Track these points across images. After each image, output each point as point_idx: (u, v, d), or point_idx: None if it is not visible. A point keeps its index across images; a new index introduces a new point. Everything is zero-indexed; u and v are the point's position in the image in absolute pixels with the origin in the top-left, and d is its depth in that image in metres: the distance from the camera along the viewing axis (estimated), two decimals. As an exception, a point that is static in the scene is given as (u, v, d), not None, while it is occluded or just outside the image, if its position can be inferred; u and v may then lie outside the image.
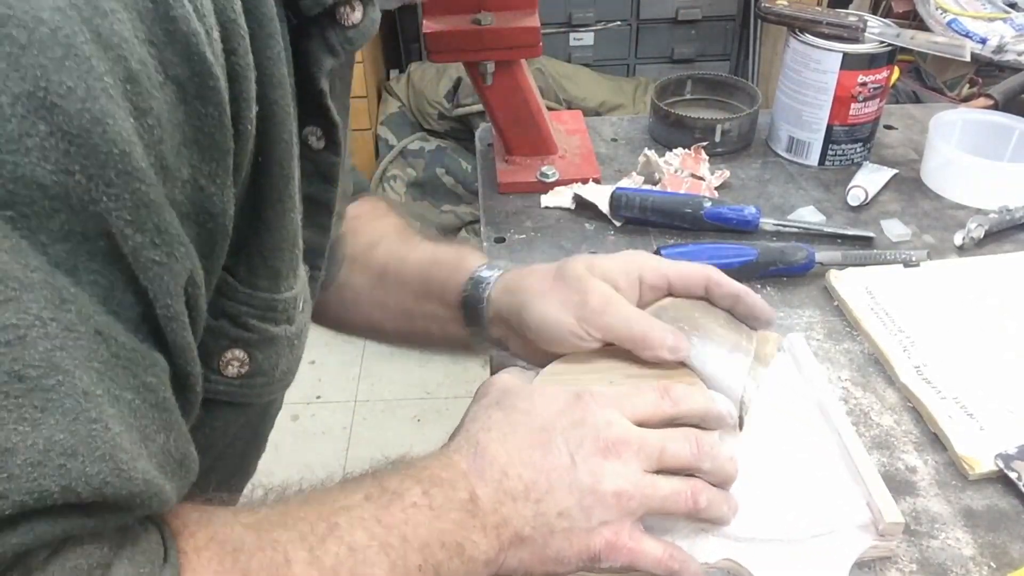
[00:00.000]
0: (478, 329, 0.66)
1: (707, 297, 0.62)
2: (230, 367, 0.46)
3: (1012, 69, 1.37)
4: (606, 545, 0.49)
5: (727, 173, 0.98)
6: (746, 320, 0.63)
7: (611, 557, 0.50)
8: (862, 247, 0.87)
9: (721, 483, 0.53)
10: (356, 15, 0.46)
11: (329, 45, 0.46)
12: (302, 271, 0.50)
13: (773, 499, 0.56)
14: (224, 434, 0.50)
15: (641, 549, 0.50)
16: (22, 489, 0.31)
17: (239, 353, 0.46)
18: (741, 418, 0.59)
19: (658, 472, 0.51)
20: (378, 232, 0.74)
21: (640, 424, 0.52)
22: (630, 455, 0.51)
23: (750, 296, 0.62)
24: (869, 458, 0.59)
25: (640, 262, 0.62)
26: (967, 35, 1.44)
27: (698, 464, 0.52)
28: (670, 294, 0.62)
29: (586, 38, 2.22)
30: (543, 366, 0.62)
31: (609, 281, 0.60)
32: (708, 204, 0.87)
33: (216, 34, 0.36)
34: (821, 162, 1.01)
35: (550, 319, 0.59)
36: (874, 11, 1.68)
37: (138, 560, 0.37)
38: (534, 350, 0.62)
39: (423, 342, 0.73)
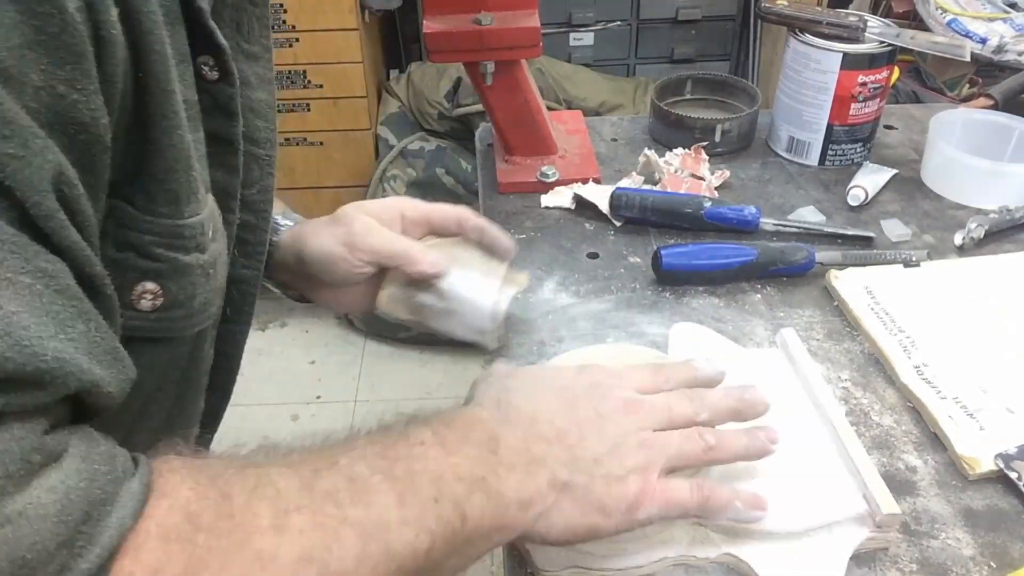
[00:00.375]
0: (272, 275, 0.73)
1: (461, 232, 0.71)
2: (143, 301, 0.44)
3: (1012, 69, 1.37)
4: (640, 490, 0.50)
5: (727, 173, 0.98)
6: (493, 251, 0.71)
7: (647, 502, 0.50)
8: (862, 247, 0.87)
9: (723, 418, 0.56)
10: None
11: None
12: (209, 199, 0.48)
13: (771, 494, 0.57)
14: (150, 372, 0.48)
15: (672, 488, 0.51)
16: None
17: (150, 285, 0.44)
18: (493, 333, 0.68)
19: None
20: None
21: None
22: (644, 414, 0.53)
23: (491, 229, 0.70)
24: (864, 450, 0.59)
25: (402, 202, 0.71)
26: (967, 35, 1.44)
27: (698, 415, 0.55)
28: (431, 232, 0.72)
29: (586, 38, 2.22)
30: (336, 308, 0.71)
31: (373, 216, 0.68)
32: (708, 204, 0.87)
33: None
34: (821, 162, 1.01)
35: (324, 250, 0.68)
36: (874, 11, 1.68)
37: (94, 458, 0.36)
38: (316, 286, 0.71)
39: None
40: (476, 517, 0.45)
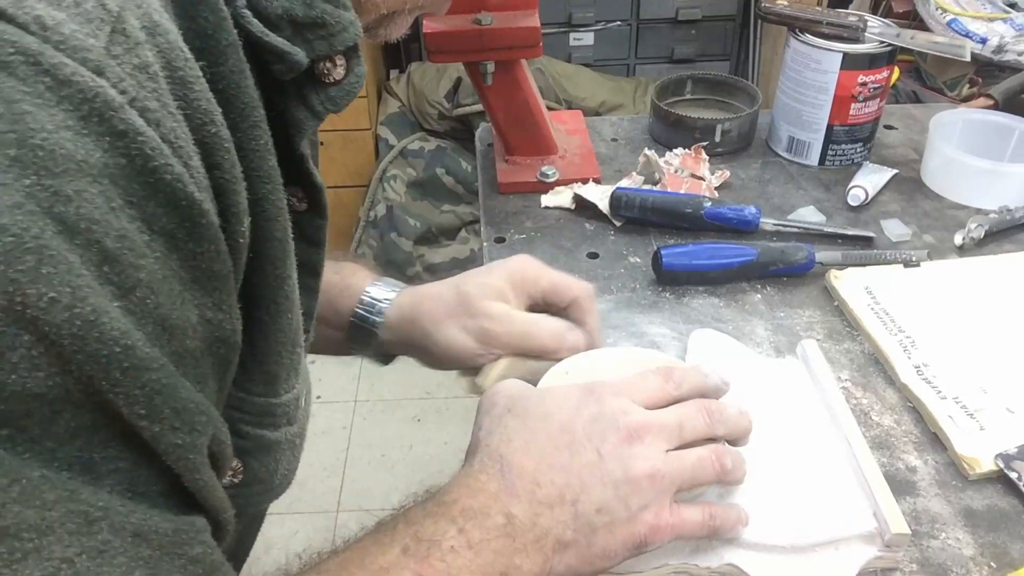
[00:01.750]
0: (366, 349, 0.70)
1: (567, 309, 0.66)
2: (230, 473, 0.42)
3: (1012, 69, 1.37)
4: (650, 529, 0.50)
5: (727, 173, 0.98)
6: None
7: (656, 539, 0.50)
8: (862, 247, 0.87)
9: (739, 439, 0.55)
10: (339, 71, 0.41)
11: (309, 106, 0.41)
12: (305, 366, 0.46)
13: (779, 505, 0.56)
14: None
15: (683, 521, 0.51)
16: None
17: (233, 462, 0.42)
18: None
19: (678, 448, 0.53)
20: None
21: (649, 408, 0.53)
22: (652, 437, 0.51)
23: (590, 329, 0.65)
24: (878, 468, 0.59)
25: (528, 271, 0.65)
26: (967, 35, 1.44)
27: (713, 431, 0.54)
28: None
29: (586, 38, 2.22)
30: (442, 369, 0.67)
31: (498, 294, 0.64)
32: (708, 204, 0.87)
33: (197, 159, 0.33)
34: (821, 162, 1.01)
35: (454, 346, 0.64)
36: (874, 11, 1.67)
37: None
38: (439, 363, 0.68)
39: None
40: None
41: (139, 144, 0.30)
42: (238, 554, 0.55)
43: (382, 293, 0.68)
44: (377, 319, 0.68)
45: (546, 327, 0.64)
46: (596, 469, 0.50)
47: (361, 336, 0.69)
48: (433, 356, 0.66)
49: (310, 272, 0.48)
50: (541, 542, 0.48)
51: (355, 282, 0.69)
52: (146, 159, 0.30)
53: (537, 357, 0.64)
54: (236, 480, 0.43)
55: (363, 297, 0.68)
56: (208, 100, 0.34)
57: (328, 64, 0.40)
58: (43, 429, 0.29)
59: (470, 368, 0.65)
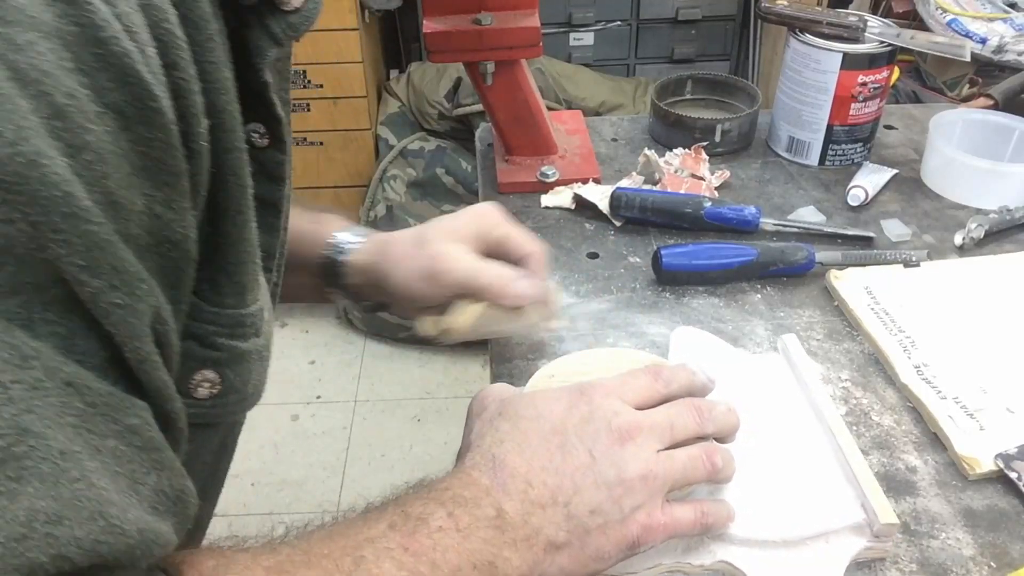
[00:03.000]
0: (339, 290, 0.71)
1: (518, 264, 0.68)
2: (200, 388, 0.43)
3: (1012, 69, 1.37)
4: (642, 529, 0.50)
5: (727, 173, 0.98)
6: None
7: (649, 539, 0.50)
8: (862, 247, 0.87)
9: (728, 435, 0.56)
10: None
11: (271, 33, 0.42)
12: (262, 279, 0.47)
13: (768, 501, 0.57)
14: (195, 457, 0.48)
15: (675, 520, 0.51)
16: (8, 567, 0.28)
17: (209, 374, 0.43)
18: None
19: (669, 448, 0.53)
20: None
21: (639, 408, 0.53)
22: (643, 438, 0.51)
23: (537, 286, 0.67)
24: (863, 459, 0.59)
25: (485, 218, 0.69)
26: (967, 35, 1.44)
27: (703, 429, 0.54)
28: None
29: (586, 38, 2.22)
30: (410, 318, 0.69)
31: (456, 236, 0.66)
32: (708, 204, 0.87)
33: (152, 50, 0.33)
34: (821, 162, 1.01)
35: (408, 286, 0.66)
36: (874, 11, 1.67)
37: None
38: (399, 306, 0.70)
39: (291, 300, 0.74)
40: None
41: (89, 13, 0.30)
42: (213, 478, 0.55)
43: (349, 237, 0.71)
44: (341, 259, 0.70)
45: (493, 270, 0.65)
46: (589, 471, 0.50)
47: (330, 278, 0.71)
48: (394, 299, 0.68)
49: (271, 210, 0.49)
50: (532, 540, 0.48)
51: (327, 228, 0.71)
52: (96, 28, 0.30)
53: (487, 301, 0.65)
54: (215, 391, 0.44)
55: (328, 240, 0.70)
56: (164, 0, 0.34)
57: None
58: None
59: (427, 311, 0.67)
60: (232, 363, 0.44)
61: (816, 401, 0.64)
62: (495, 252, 0.68)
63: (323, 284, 0.71)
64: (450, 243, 0.66)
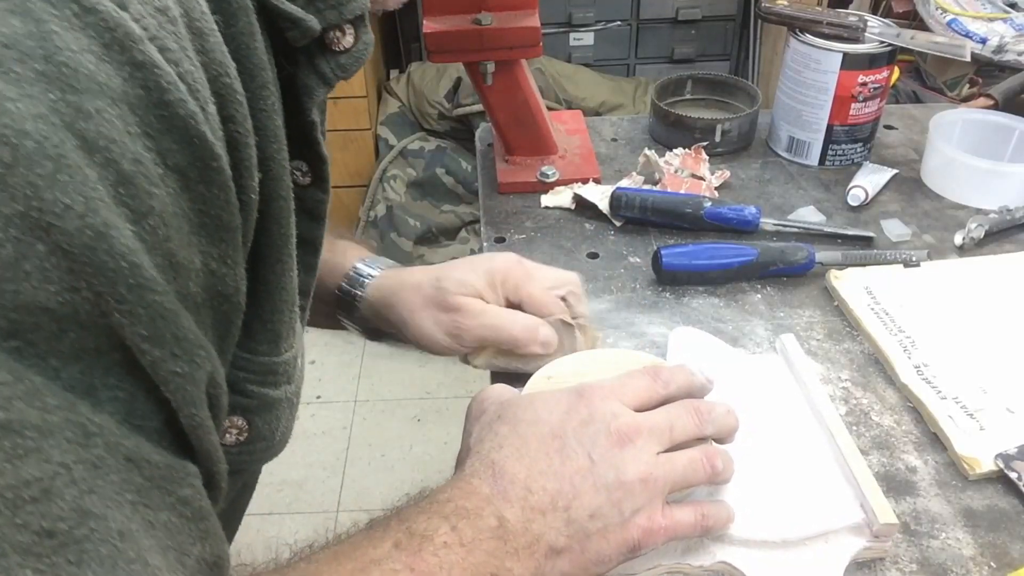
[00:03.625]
0: (352, 322, 0.71)
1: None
2: (228, 435, 0.43)
3: (1012, 69, 1.37)
4: (643, 533, 0.50)
5: (727, 173, 0.98)
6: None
7: (650, 542, 0.50)
8: (862, 247, 0.87)
9: (727, 437, 0.56)
10: (348, 39, 0.42)
11: (320, 73, 0.42)
12: (299, 326, 0.47)
13: (767, 501, 0.57)
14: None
15: (676, 523, 0.51)
16: None
17: (238, 420, 0.43)
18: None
19: (668, 450, 0.53)
20: None
21: (638, 409, 0.53)
22: (643, 441, 0.51)
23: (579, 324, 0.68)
24: (862, 459, 0.59)
25: (504, 275, 0.66)
26: (967, 35, 1.44)
27: (703, 431, 0.54)
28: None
29: (586, 38, 2.22)
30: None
31: (473, 289, 0.65)
32: (708, 204, 0.87)
33: (212, 107, 0.33)
34: (821, 162, 1.01)
35: (427, 338, 0.66)
36: (874, 11, 1.68)
37: None
38: (418, 347, 0.69)
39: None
40: None
41: (156, 77, 0.31)
42: (231, 520, 0.56)
43: (367, 270, 0.71)
44: (359, 292, 0.70)
45: (519, 321, 0.65)
46: (588, 474, 0.50)
47: (344, 308, 0.71)
48: (410, 341, 0.68)
49: (309, 248, 0.49)
50: (533, 547, 0.48)
51: (346, 259, 0.71)
52: (163, 92, 0.31)
53: (511, 351, 0.65)
54: (242, 438, 0.43)
55: (349, 272, 0.70)
56: (223, 52, 0.35)
57: (338, 33, 0.42)
58: (49, 346, 0.29)
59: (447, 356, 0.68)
60: (261, 411, 0.44)
61: (815, 401, 0.64)
62: (516, 305, 0.67)
63: (336, 312, 0.71)
64: (473, 298, 0.65)
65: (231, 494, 0.49)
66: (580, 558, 0.49)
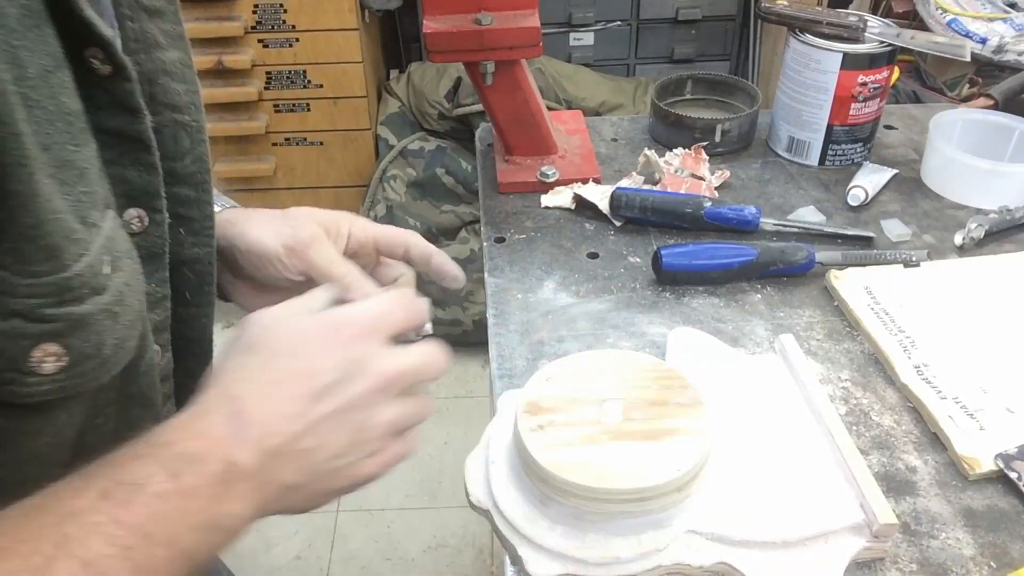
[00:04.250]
0: None
1: (407, 258, 0.67)
2: (45, 364, 0.40)
3: (1012, 69, 1.37)
4: (378, 468, 0.50)
5: (727, 173, 0.98)
6: (440, 280, 0.68)
7: (381, 475, 0.50)
8: (862, 247, 0.87)
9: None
10: None
11: None
12: (107, 219, 0.43)
13: (767, 502, 0.57)
14: (70, 422, 0.45)
15: (404, 449, 0.52)
16: None
17: (50, 347, 0.40)
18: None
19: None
20: None
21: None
22: (396, 385, 0.50)
23: (439, 256, 0.66)
24: (862, 459, 0.59)
25: (351, 219, 0.66)
26: (967, 35, 1.44)
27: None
28: (377, 254, 0.67)
29: (586, 38, 2.22)
30: (250, 307, 0.64)
31: (322, 227, 0.63)
32: (708, 204, 0.87)
33: None
34: (821, 162, 1.01)
35: (262, 244, 0.62)
36: (874, 11, 1.68)
37: None
38: (238, 278, 0.65)
39: None
40: (204, 555, 0.44)
41: None
42: (134, 408, 0.52)
43: (220, 202, 0.66)
44: None
45: (351, 267, 0.62)
46: (337, 421, 0.48)
47: None
48: (240, 258, 0.64)
49: (138, 145, 0.46)
50: (263, 488, 0.45)
51: None
52: None
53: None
54: (63, 363, 0.41)
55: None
56: None
57: None
58: None
59: (270, 295, 0.63)
60: (73, 331, 0.41)
61: (814, 401, 0.64)
62: (368, 253, 0.66)
63: None
64: (317, 228, 0.63)
65: (84, 408, 0.46)
66: (311, 491, 0.48)
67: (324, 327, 0.50)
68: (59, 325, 0.40)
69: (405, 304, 0.53)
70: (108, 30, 0.42)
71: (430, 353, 0.52)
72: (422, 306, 0.55)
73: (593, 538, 0.55)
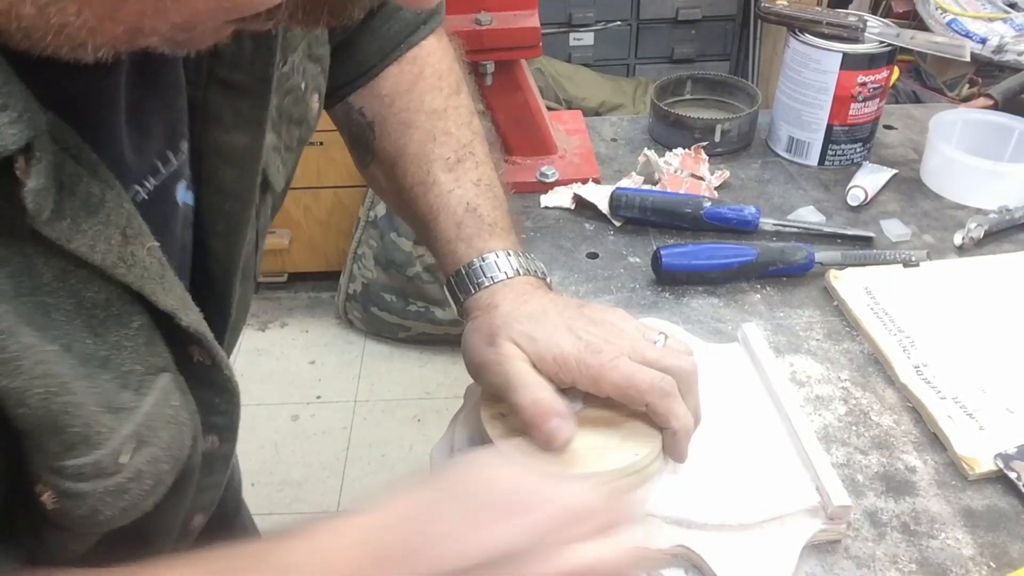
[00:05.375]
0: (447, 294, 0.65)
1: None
2: (45, 497, 0.39)
3: (1012, 69, 1.37)
4: None
5: (727, 173, 0.98)
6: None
7: None
8: (862, 247, 0.87)
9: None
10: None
11: None
12: (154, 393, 0.41)
13: (724, 486, 0.58)
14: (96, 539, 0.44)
15: None
16: None
17: (47, 489, 0.39)
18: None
19: None
20: (426, 134, 0.66)
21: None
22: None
23: (683, 440, 0.56)
24: (818, 444, 0.61)
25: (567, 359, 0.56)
26: (967, 35, 1.44)
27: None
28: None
29: (586, 38, 2.22)
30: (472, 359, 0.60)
31: (537, 356, 0.56)
32: (708, 204, 0.87)
33: None
34: (821, 162, 1.01)
35: (473, 356, 0.59)
36: (874, 11, 1.68)
37: None
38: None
39: None
40: None
41: None
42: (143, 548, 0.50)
43: (490, 272, 0.61)
44: (469, 288, 0.61)
45: (534, 394, 0.54)
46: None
47: (453, 296, 0.64)
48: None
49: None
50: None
51: (475, 247, 0.62)
52: None
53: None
54: (57, 506, 0.40)
55: (470, 264, 0.61)
56: None
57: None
58: None
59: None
60: (70, 496, 0.40)
61: (774, 388, 0.66)
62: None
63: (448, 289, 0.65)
64: (523, 367, 0.56)
65: (87, 541, 0.45)
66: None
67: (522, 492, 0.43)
68: (61, 486, 0.39)
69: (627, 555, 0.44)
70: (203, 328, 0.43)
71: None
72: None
73: None
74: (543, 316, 0.57)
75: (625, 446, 0.55)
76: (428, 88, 0.68)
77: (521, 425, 0.55)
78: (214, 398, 0.49)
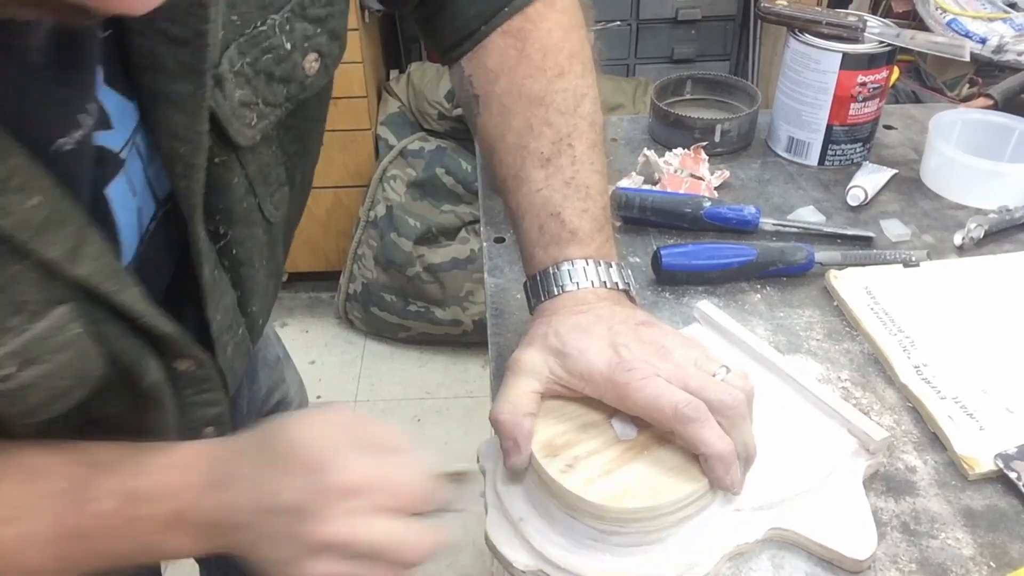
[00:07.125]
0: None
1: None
2: None
3: (1012, 69, 1.37)
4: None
5: (727, 173, 0.98)
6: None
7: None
8: (862, 247, 0.87)
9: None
10: None
11: None
12: (42, 321, 0.44)
13: (778, 460, 0.59)
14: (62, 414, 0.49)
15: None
16: None
17: None
18: None
19: None
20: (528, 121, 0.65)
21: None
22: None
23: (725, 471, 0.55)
24: (831, 391, 0.63)
25: (620, 379, 0.55)
26: (967, 35, 1.44)
27: None
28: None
29: (586, 38, 2.22)
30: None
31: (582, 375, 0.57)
32: (708, 204, 0.87)
33: None
34: (821, 162, 1.01)
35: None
36: (874, 11, 1.67)
37: None
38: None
39: None
40: (131, 565, 0.50)
41: None
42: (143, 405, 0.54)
43: (565, 280, 0.62)
44: (541, 292, 0.62)
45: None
46: (284, 538, 0.47)
47: (529, 294, 0.65)
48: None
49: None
50: (206, 542, 0.49)
51: (560, 253, 0.63)
52: None
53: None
54: None
55: (548, 271, 0.62)
56: None
57: None
58: None
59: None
60: None
61: (761, 355, 0.67)
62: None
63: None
64: (550, 356, 0.57)
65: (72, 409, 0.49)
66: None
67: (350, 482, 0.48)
68: None
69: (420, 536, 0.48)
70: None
71: (414, 535, 0.48)
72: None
73: (663, 553, 0.54)
74: (589, 329, 0.58)
75: (676, 478, 0.53)
76: (530, 71, 0.65)
77: (574, 437, 0.56)
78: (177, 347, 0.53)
